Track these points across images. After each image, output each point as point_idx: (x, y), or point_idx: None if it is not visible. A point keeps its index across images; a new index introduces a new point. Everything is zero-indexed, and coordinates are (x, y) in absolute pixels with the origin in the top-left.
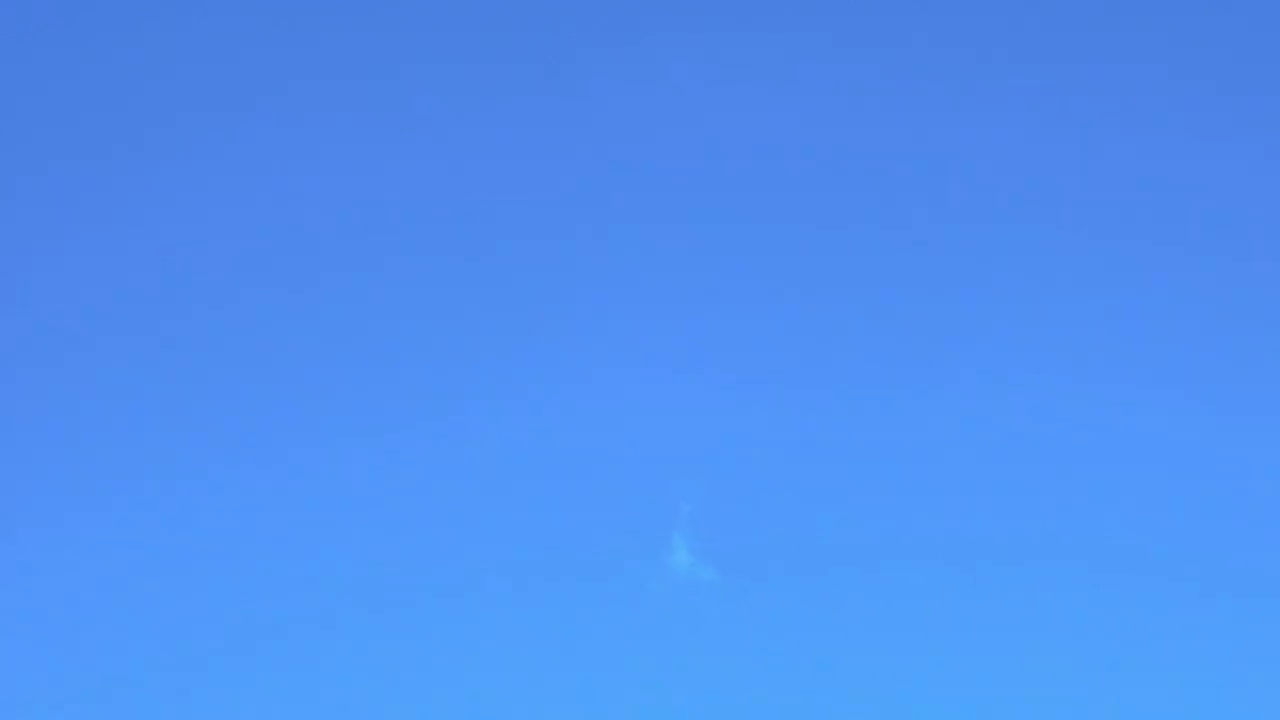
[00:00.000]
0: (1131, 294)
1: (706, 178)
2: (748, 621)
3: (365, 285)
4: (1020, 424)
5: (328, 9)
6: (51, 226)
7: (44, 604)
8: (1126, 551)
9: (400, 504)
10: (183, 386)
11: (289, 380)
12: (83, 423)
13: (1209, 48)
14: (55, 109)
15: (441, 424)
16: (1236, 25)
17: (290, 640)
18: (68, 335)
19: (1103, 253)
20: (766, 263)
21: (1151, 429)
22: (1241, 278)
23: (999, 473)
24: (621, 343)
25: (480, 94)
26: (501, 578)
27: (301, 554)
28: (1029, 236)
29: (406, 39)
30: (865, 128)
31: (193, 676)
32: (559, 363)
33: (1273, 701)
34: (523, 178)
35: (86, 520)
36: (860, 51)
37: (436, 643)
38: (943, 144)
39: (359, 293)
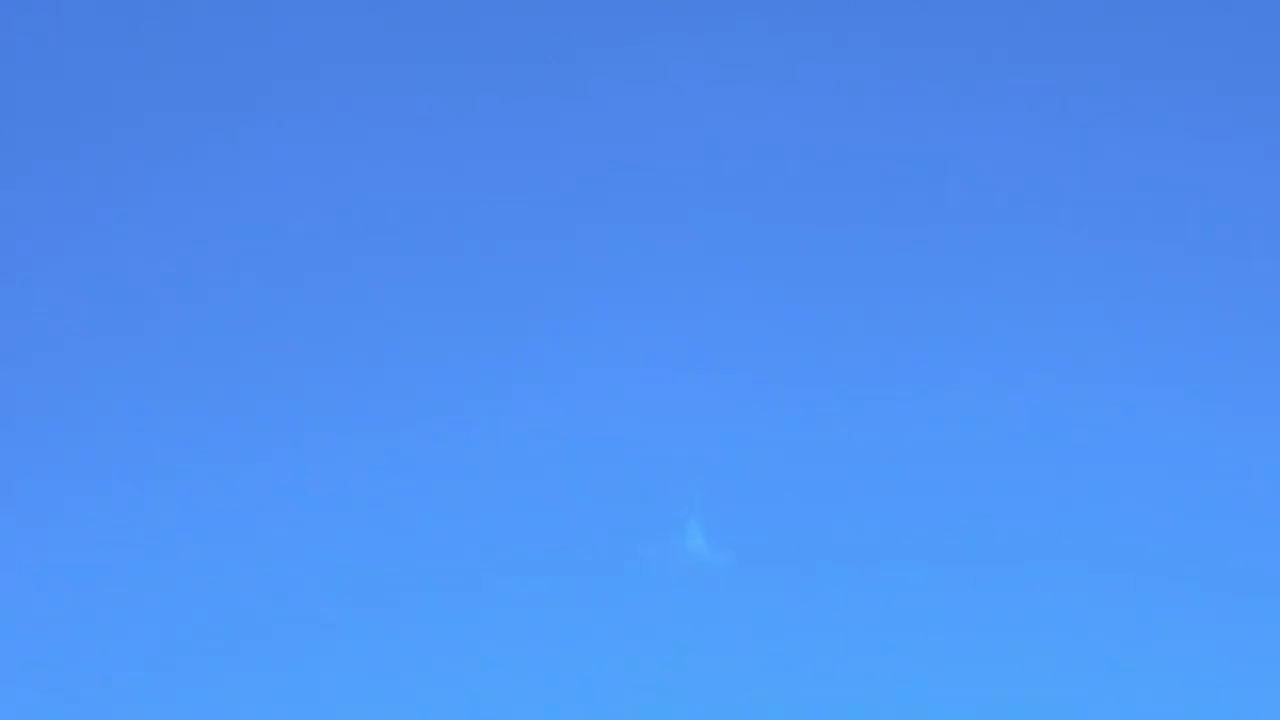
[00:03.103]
0: (1135, 295)
1: (713, 177)
2: (764, 604)
3: (380, 285)
4: (1029, 407)
5: (327, 8)
6: (50, 227)
7: (42, 603)
8: (1138, 548)
9: (415, 494)
10: (178, 384)
11: (319, 375)
12: (80, 420)
13: (1212, 47)
14: (55, 109)
15: (459, 415)
16: (1238, 25)
17: (309, 624)
18: (64, 333)
19: (1105, 253)
20: (773, 257)
21: (1157, 430)
22: (1246, 278)
23: (1016, 459)
24: (633, 333)
25: (479, 94)
26: (514, 563)
27: (324, 542)
28: (1032, 236)
29: (404, 39)
30: (869, 128)
31: (191, 676)
32: (572, 353)
33: (1273, 702)
34: (531, 177)
35: (84, 519)
36: (862, 51)
37: (451, 631)
38: (945, 144)
39: (375, 292)
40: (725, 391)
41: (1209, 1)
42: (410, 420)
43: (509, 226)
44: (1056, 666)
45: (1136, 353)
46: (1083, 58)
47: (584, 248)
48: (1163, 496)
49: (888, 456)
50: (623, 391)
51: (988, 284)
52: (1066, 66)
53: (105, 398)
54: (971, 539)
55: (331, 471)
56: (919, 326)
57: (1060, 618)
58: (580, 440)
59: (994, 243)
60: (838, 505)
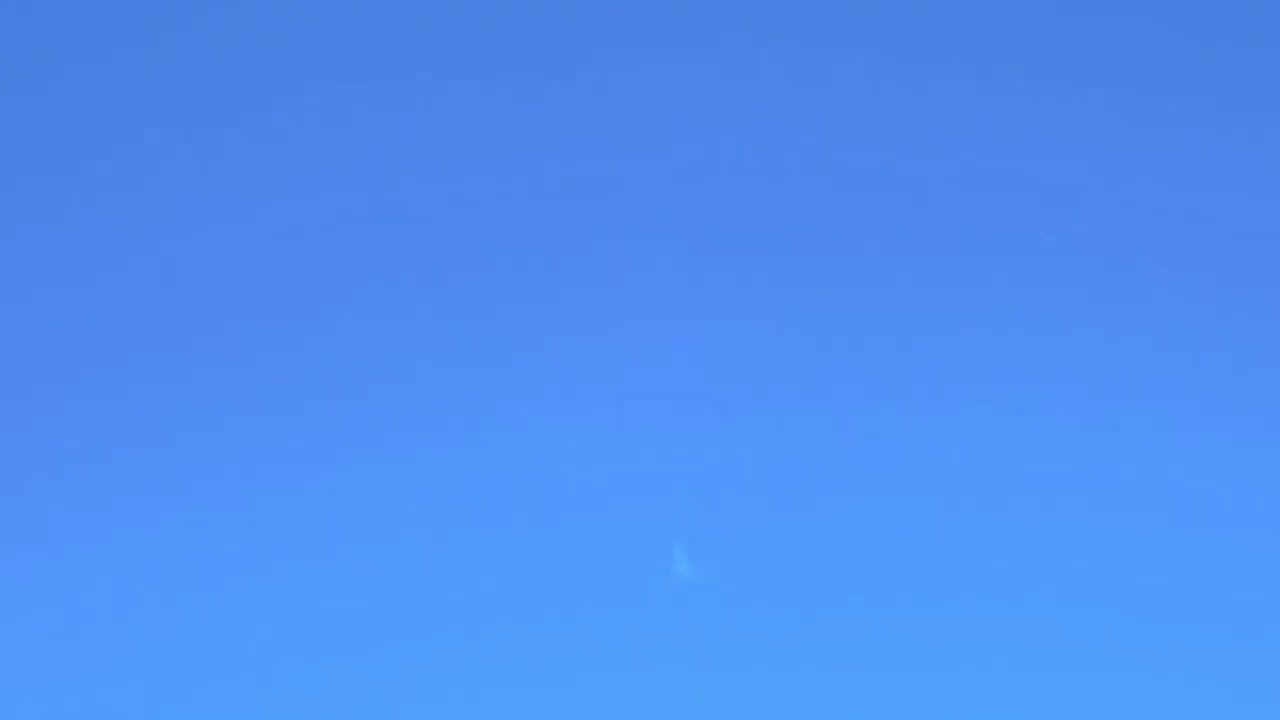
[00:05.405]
0: (1151, 321)
1: (696, 209)
2: (751, 627)
3: (367, 296)
4: (1024, 431)
5: (334, 12)
6: (55, 233)
7: (52, 618)
8: (1143, 579)
9: (392, 524)
10: (178, 399)
11: (288, 401)
12: (94, 436)
13: (1222, 61)
14: (57, 111)
15: (439, 441)
16: (1243, 32)
17: (290, 655)
18: (80, 345)
19: (1120, 276)
20: (753, 277)
21: (1165, 457)
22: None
23: (1010, 484)
24: (614, 355)
25: (479, 99)
26: (496, 589)
27: (302, 565)
28: (1040, 257)
29: (404, 44)
30: (870, 149)
31: (194, 696)
32: (553, 376)
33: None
34: (502, 201)
35: (99, 537)
36: (878, 64)
37: (432, 661)
38: (950, 162)
39: (360, 305)
40: (709, 413)
41: (1219, 9)
42: (391, 449)
43: (477, 257)
44: (1053, 696)
45: (1147, 380)
46: (1116, 83)
47: (561, 272)
48: (1176, 526)
49: (875, 477)
50: (605, 413)
51: (982, 306)
52: (1089, 74)
53: (117, 411)
54: (962, 559)
55: (313, 503)
56: (907, 347)
57: (1058, 645)
58: (561, 463)
59: (990, 265)
60: (825, 527)
